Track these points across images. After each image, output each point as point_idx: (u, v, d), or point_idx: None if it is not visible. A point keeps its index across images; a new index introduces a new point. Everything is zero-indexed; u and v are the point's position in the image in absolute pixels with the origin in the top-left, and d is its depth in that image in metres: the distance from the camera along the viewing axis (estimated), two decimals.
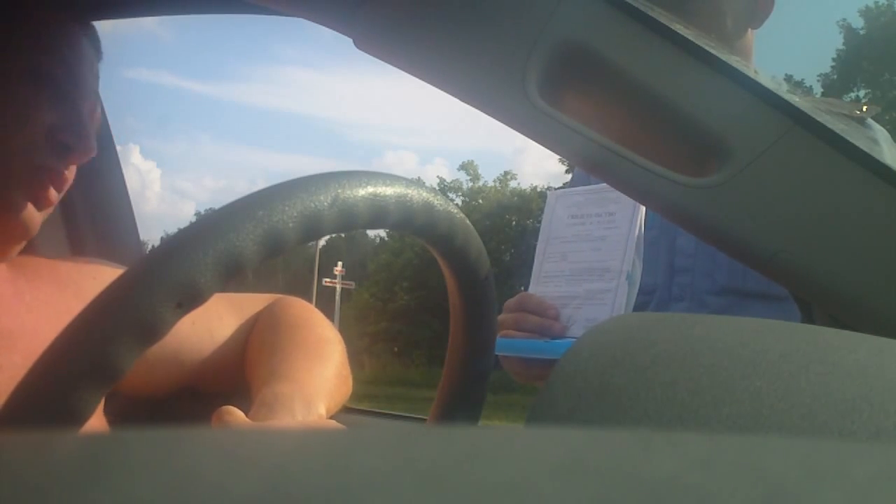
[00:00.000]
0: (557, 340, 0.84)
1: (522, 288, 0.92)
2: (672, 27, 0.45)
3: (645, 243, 0.86)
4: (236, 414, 0.56)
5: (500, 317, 0.87)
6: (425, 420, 0.73)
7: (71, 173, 0.70)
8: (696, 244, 1.07)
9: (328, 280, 27.58)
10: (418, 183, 0.53)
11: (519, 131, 0.48)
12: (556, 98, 0.46)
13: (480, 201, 30.24)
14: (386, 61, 0.49)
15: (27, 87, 0.67)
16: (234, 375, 0.82)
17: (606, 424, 0.27)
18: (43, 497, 0.12)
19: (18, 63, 0.67)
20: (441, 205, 0.53)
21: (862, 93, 24.76)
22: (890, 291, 0.45)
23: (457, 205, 0.59)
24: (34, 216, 0.69)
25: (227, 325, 0.84)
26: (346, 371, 0.77)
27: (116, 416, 0.76)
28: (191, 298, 0.41)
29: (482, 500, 0.12)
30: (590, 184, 0.95)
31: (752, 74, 0.45)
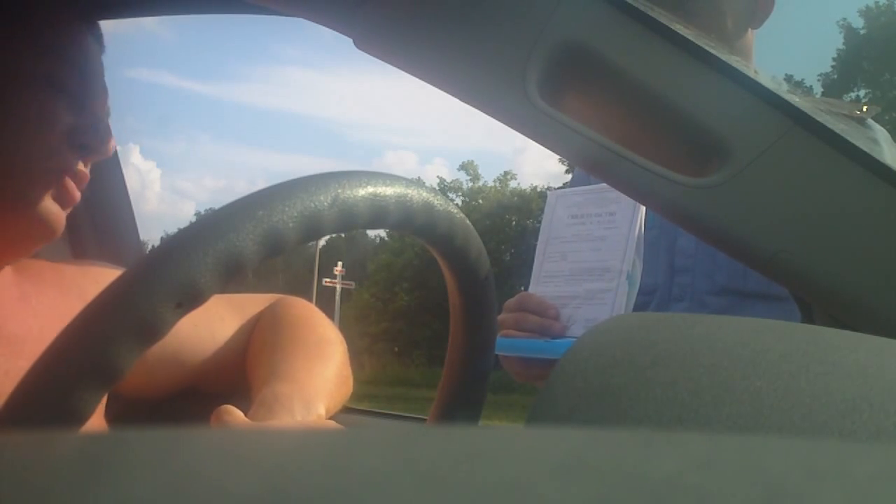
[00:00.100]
0: (557, 340, 0.84)
1: (522, 288, 0.92)
2: (672, 27, 0.45)
3: (645, 243, 0.86)
4: (235, 414, 0.56)
5: (500, 317, 0.87)
6: (425, 420, 0.73)
7: (88, 170, 0.72)
8: (697, 244, 1.07)
9: (328, 280, 27.59)
10: (418, 183, 0.53)
11: (519, 131, 0.48)
12: (556, 98, 0.46)
13: (480, 201, 30.24)
14: (386, 61, 0.49)
15: (45, 93, 0.68)
16: (235, 376, 0.82)
17: (606, 424, 0.27)
18: (43, 497, 0.12)
19: (34, 70, 0.68)
20: (441, 205, 0.53)
21: (862, 93, 24.77)
22: (890, 291, 0.45)
23: (457, 205, 0.59)
24: (60, 216, 0.70)
25: (229, 325, 0.84)
26: (347, 371, 0.77)
27: (117, 417, 0.76)
28: (191, 298, 0.41)
29: (482, 500, 0.12)
30: (590, 184, 0.95)
31: (752, 74, 0.45)
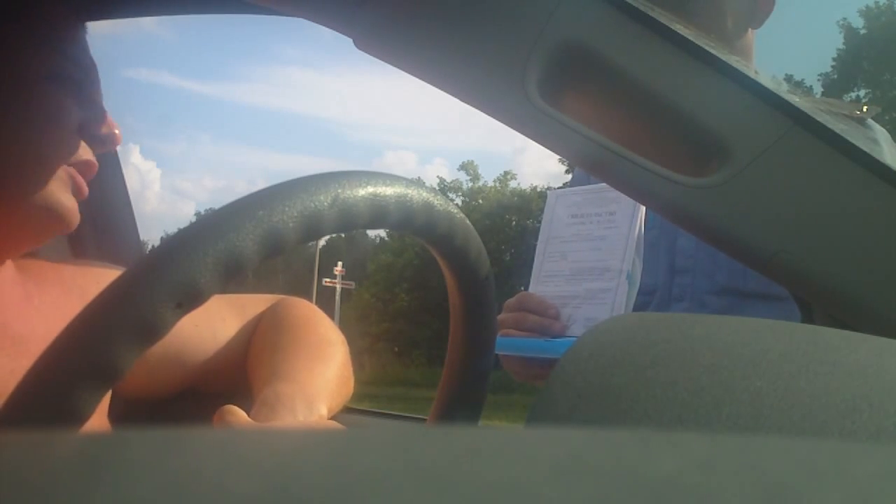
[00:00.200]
0: (557, 340, 0.84)
1: (522, 288, 0.92)
2: (672, 27, 0.45)
3: (645, 244, 0.86)
4: (238, 414, 0.56)
5: (500, 316, 0.87)
6: (425, 420, 0.73)
7: (95, 161, 0.73)
8: (697, 244, 1.07)
9: (328, 280, 27.59)
10: (418, 183, 0.53)
11: (519, 131, 0.48)
12: (556, 98, 0.46)
13: (480, 201, 30.24)
14: (386, 61, 0.49)
15: (54, 90, 0.70)
16: (237, 376, 0.82)
17: (606, 424, 0.27)
18: (43, 497, 0.12)
19: (44, 67, 0.70)
20: (441, 205, 0.53)
21: (862, 93, 24.77)
22: (890, 291, 0.45)
23: (457, 205, 0.59)
24: (76, 208, 0.71)
25: (230, 325, 0.85)
26: (348, 372, 0.77)
27: (117, 417, 0.76)
28: (191, 298, 0.41)
29: (482, 500, 0.12)
30: (590, 184, 0.95)
31: (752, 74, 0.45)
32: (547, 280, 0.87)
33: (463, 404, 0.63)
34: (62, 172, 0.69)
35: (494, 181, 31.54)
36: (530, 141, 0.48)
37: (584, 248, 0.85)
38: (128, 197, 1.14)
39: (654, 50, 0.45)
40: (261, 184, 1.10)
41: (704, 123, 0.45)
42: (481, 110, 0.48)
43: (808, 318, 0.56)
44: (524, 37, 0.45)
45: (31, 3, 0.71)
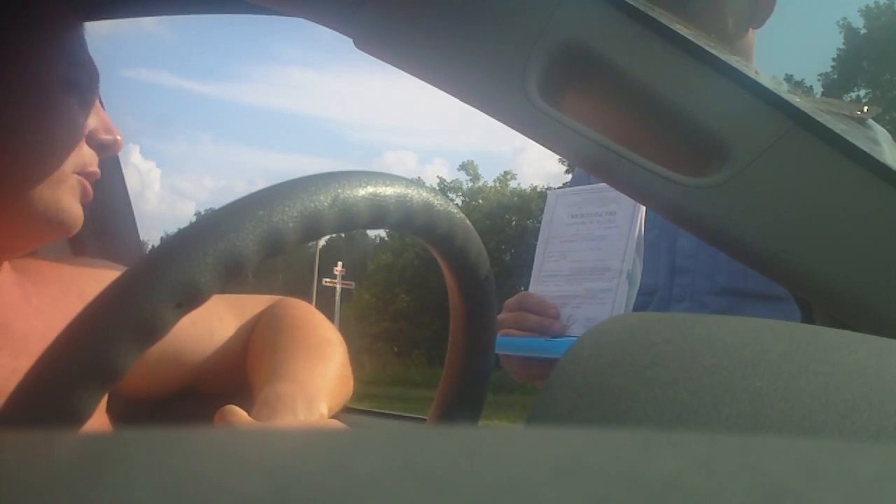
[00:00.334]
0: (557, 339, 0.84)
1: (522, 288, 0.92)
2: (672, 27, 0.45)
3: (646, 244, 0.86)
4: (239, 413, 0.56)
5: (500, 316, 0.87)
6: (425, 420, 0.73)
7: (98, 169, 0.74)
8: (697, 245, 1.07)
9: (328, 280, 27.58)
10: (418, 183, 0.53)
11: (519, 131, 0.48)
12: (556, 98, 0.46)
13: (480, 201, 30.23)
14: (386, 61, 0.49)
15: (66, 97, 0.70)
16: (236, 376, 0.82)
17: (606, 424, 0.27)
18: (43, 497, 0.12)
19: (54, 74, 0.70)
20: (441, 205, 0.53)
21: (862, 93, 24.77)
22: (890, 291, 0.45)
23: (457, 205, 0.59)
24: (80, 214, 0.72)
25: (228, 325, 0.85)
26: (348, 372, 0.77)
27: (117, 417, 0.76)
28: (191, 298, 0.41)
29: (482, 500, 0.12)
30: (590, 184, 0.95)
31: (752, 74, 0.45)
32: (547, 280, 0.87)
33: (463, 404, 0.63)
34: (73, 180, 0.70)
35: (494, 181, 31.55)
36: (530, 141, 0.48)
37: (584, 247, 0.85)
38: (128, 197, 1.14)
39: (654, 50, 0.45)
40: (261, 184, 1.10)
41: (704, 123, 0.45)
42: (481, 110, 0.48)
43: (808, 318, 0.56)
44: (524, 37, 0.45)
45: (32, 4, 0.71)
